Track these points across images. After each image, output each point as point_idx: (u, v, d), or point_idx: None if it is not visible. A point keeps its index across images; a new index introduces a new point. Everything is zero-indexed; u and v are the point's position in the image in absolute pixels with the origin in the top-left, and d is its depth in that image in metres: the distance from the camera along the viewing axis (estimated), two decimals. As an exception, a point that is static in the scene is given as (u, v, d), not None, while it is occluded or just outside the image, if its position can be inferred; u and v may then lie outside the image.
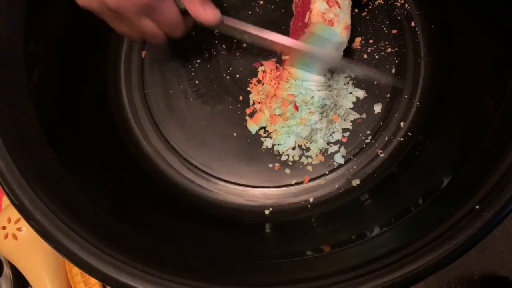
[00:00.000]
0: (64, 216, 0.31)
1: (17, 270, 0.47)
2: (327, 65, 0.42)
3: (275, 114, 0.43)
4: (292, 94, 0.42)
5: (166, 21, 0.36)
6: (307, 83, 0.42)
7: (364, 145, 0.45)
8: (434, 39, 0.46)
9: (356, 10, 0.47)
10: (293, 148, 0.44)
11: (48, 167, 0.34)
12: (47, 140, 0.36)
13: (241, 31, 0.39)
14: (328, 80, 0.44)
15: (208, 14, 0.36)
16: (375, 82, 0.46)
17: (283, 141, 0.44)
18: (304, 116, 0.42)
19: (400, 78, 0.46)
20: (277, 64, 0.46)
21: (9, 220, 0.45)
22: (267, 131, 0.45)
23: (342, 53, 0.42)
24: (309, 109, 0.42)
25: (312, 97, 0.41)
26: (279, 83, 0.43)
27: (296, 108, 0.42)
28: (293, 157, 0.44)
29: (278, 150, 0.45)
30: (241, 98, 0.47)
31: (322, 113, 0.43)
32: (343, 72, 0.45)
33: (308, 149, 0.45)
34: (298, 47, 0.40)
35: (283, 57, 0.44)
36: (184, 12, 0.36)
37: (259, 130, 0.45)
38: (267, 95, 0.45)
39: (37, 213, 0.30)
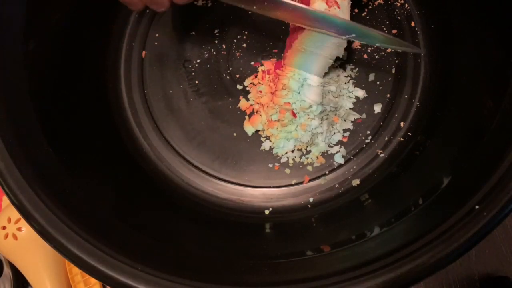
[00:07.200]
0: (64, 216, 0.31)
1: (17, 270, 0.47)
2: (326, 64, 0.42)
3: (272, 120, 0.43)
4: (289, 103, 0.42)
5: None
6: (303, 94, 0.42)
7: (364, 145, 0.45)
8: (434, 39, 0.46)
9: (356, 10, 0.47)
10: (292, 151, 0.44)
11: (48, 167, 0.34)
12: (47, 140, 0.36)
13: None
14: (327, 81, 0.44)
15: None
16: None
17: (282, 144, 0.44)
18: (304, 122, 0.42)
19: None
20: (277, 61, 0.46)
21: (9, 220, 0.45)
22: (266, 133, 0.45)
23: (344, 53, 0.42)
24: (308, 115, 0.42)
25: (311, 106, 0.41)
26: (276, 90, 0.43)
27: (294, 115, 0.42)
28: (293, 159, 0.44)
29: (277, 153, 0.45)
30: (241, 98, 0.46)
31: (322, 117, 0.43)
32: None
33: (308, 152, 0.45)
34: (310, 14, 0.36)
35: (284, 54, 0.44)
36: None
37: (257, 131, 0.45)
38: (265, 97, 0.45)
39: (37, 213, 0.30)
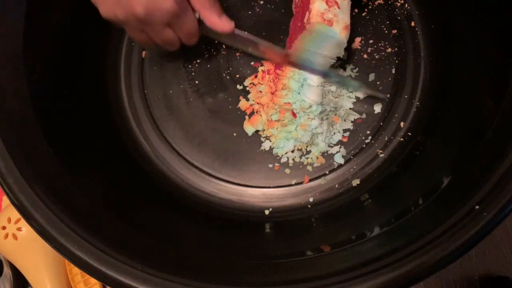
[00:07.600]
0: (64, 216, 0.31)
1: (17, 270, 0.47)
2: (326, 63, 0.42)
3: (272, 120, 0.43)
4: (289, 103, 0.42)
5: (186, 30, 0.38)
6: (303, 94, 0.42)
7: (364, 145, 0.45)
8: (434, 39, 0.46)
9: (356, 10, 0.47)
10: (292, 151, 0.44)
11: (48, 167, 0.34)
12: (47, 140, 0.36)
13: (246, 43, 0.42)
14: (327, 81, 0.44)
15: (225, 24, 0.38)
16: (374, 97, 0.46)
17: (282, 144, 0.44)
18: (304, 122, 0.42)
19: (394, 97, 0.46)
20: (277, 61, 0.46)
21: (9, 220, 0.45)
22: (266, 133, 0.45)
23: (344, 53, 0.42)
24: (308, 115, 0.42)
25: (311, 106, 0.41)
26: (276, 90, 0.43)
27: (294, 115, 0.42)
28: (293, 159, 0.44)
29: (277, 153, 0.45)
30: (241, 98, 0.46)
31: (322, 117, 0.43)
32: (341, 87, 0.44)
33: (308, 152, 0.45)
34: (300, 61, 0.41)
35: (286, 49, 0.44)
36: (199, 22, 0.38)
37: (257, 131, 0.45)
38: (265, 97, 0.45)
39: (37, 213, 0.30)
